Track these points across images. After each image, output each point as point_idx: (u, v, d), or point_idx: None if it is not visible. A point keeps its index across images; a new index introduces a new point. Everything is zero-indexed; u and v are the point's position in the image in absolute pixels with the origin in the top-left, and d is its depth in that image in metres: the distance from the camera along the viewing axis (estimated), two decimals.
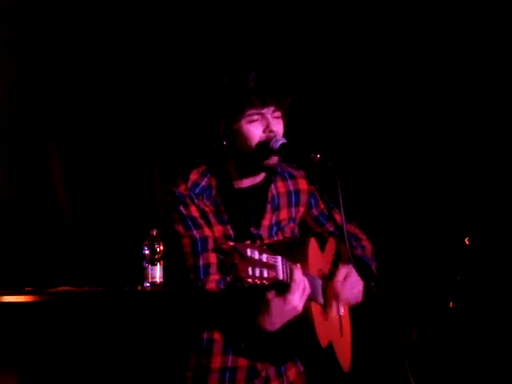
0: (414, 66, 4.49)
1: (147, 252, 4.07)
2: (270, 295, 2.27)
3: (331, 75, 4.56)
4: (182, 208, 2.49)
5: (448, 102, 4.45)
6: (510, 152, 4.31)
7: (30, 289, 4.07)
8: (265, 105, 2.45)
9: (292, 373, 2.59)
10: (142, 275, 4.06)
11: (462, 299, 3.90)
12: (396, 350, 2.32)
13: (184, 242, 2.48)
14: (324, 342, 2.43)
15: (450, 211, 4.38)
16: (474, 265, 3.94)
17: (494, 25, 4.35)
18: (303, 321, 2.36)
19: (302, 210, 2.68)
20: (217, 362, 2.50)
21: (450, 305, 3.90)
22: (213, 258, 2.47)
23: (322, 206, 2.70)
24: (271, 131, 2.46)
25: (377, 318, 2.42)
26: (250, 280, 2.09)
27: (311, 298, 2.36)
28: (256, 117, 2.46)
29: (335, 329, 2.61)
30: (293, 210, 2.64)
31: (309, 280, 2.33)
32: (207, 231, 2.49)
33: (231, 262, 2.08)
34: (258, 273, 2.10)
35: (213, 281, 2.45)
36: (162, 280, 4.04)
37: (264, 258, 2.12)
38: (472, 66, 4.40)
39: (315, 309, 2.42)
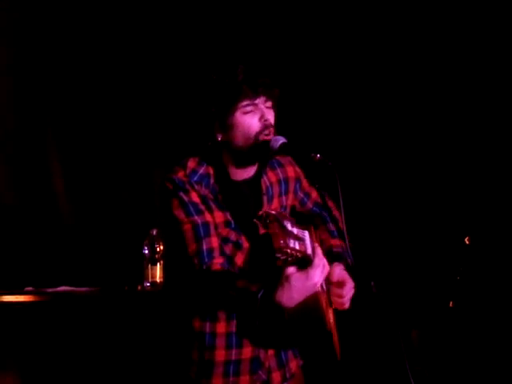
0: (413, 65, 4.49)
1: (147, 252, 4.07)
2: (291, 270, 2.24)
3: (331, 75, 4.56)
4: (182, 194, 2.48)
5: (448, 101, 4.45)
6: (509, 152, 4.31)
7: (30, 289, 4.06)
8: (257, 94, 2.49)
9: (294, 365, 2.61)
10: (142, 275, 4.06)
11: (462, 299, 3.90)
12: (396, 349, 2.32)
13: (185, 228, 2.47)
14: (328, 328, 2.43)
15: (449, 211, 4.38)
16: (474, 265, 3.94)
17: (494, 25, 4.36)
18: (312, 305, 2.33)
19: (290, 197, 2.71)
20: (221, 356, 2.50)
21: (450, 305, 3.90)
22: (215, 242, 2.47)
23: (304, 184, 2.75)
24: (266, 120, 2.50)
25: (377, 317, 2.42)
26: (288, 250, 2.07)
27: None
28: (250, 108, 2.50)
29: (331, 318, 2.62)
30: (283, 198, 2.67)
31: None
32: (208, 217, 2.48)
33: (273, 231, 2.06)
34: (292, 244, 2.08)
35: (217, 263, 2.44)
36: (161, 280, 4.04)
37: (295, 230, 2.11)
38: (472, 65, 4.40)
39: (321, 294, 2.42)
